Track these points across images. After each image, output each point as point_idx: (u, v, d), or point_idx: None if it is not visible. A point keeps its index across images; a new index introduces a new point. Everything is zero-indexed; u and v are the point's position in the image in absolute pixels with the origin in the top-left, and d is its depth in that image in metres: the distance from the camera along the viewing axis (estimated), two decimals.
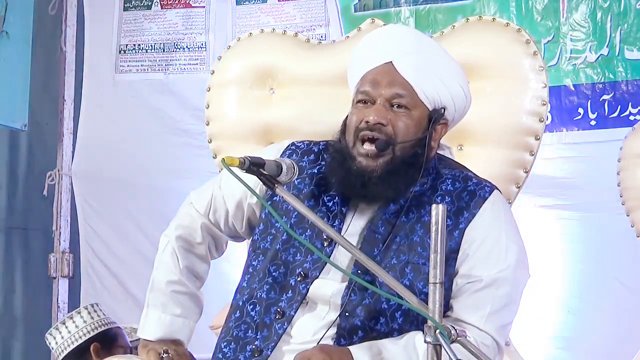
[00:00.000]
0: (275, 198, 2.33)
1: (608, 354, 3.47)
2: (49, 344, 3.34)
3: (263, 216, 2.37)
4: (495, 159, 2.70)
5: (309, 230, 2.28)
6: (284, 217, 2.30)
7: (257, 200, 2.36)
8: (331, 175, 2.30)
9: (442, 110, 2.29)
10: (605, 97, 3.65)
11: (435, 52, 2.35)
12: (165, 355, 2.28)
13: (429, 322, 1.87)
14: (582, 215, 3.63)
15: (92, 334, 3.30)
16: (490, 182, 2.35)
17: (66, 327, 3.31)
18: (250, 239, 2.41)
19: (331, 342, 2.19)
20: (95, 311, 3.36)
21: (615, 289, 3.54)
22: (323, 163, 2.35)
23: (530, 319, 3.57)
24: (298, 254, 2.28)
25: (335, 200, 2.30)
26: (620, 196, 2.88)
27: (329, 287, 2.23)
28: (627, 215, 2.87)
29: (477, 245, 2.24)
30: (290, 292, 2.24)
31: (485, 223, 2.26)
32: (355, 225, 2.29)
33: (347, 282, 2.22)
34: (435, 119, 2.28)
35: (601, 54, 3.66)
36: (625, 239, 2.96)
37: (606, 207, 3.41)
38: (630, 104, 3.61)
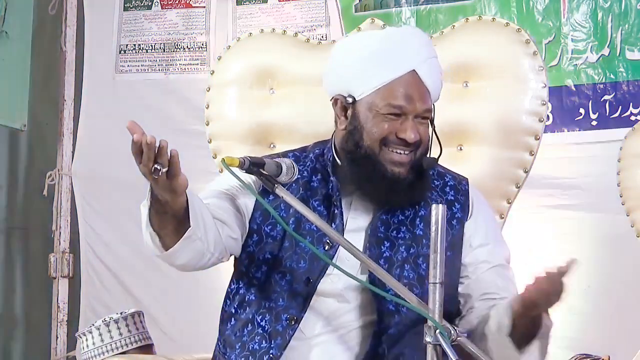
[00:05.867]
0: (264, 207, 2.30)
1: (608, 354, 3.46)
2: (82, 342, 3.30)
3: (255, 227, 2.33)
4: (495, 159, 2.70)
5: (308, 237, 2.27)
6: (278, 227, 2.30)
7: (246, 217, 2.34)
8: (358, 180, 2.29)
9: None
10: (606, 97, 3.64)
11: (435, 53, 2.36)
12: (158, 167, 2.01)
13: (429, 322, 1.87)
14: (582, 215, 3.62)
15: (133, 346, 3.27)
16: (459, 174, 2.43)
17: (109, 332, 3.27)
18: (240, 253, 2.35)
19: (347, 334, 2.25)
20: (140, 322, 3.32)
21: (616, 289, 3.54)
22: (305, 173, 2.35)
23: None
24: (302, 261, 2.28)
25: (325, 204, 2.31)
26: (620, 196, 2.88)
27: (337, 281, 2.25)
28: (627, 215, 2.87)
29: (483, 232, 2.36)
30: (299, 298, 2.26)
31: (482, 210, 2.39)
32: (352, 224, 2.31)
33: (367, 278, 2.23)
34: (433, 117, 2.32)
35: (602, 55, 3.66)
36: (625, 239, 2.95)
37: (606, 207, 3.40)
38: (631, 104, 3.61)
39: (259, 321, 2.27)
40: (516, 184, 2.71)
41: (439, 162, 2.34)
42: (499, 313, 2.13)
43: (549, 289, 1.99)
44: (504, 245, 2.41)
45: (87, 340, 3.25)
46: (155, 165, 1.97)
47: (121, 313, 3.28)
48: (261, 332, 2.26)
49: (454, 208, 2.33)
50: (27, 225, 4.68)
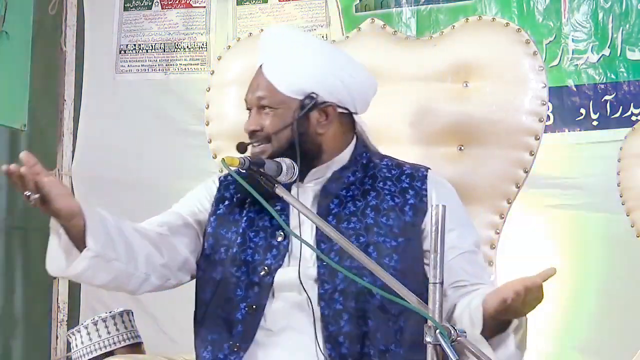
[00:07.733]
0: (218, 212, 2.39)
1: (608, 354, 3.46)
2: (72, 342, 3.30)
3: (211, 231, 2.39)
4: (495, 159, 2.70)
5: (261, 233, 2.33)
6: (233, 228, 2.36)
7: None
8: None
9: (314, 95, 2.33)
10: (607, 97, 3.65)
11: (297, 46, 2.41)
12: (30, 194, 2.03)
13: (429, 322, 1.87)
14: (582, 215, 3.62)
15: (122, 344, 3.26)
16: (421, 165, 2.45)
17: (97, 330, 3.26)
18: (198, 257, 2.41)
19: (311, 328, 2.24)
20: (129, 320, 3.31)
21: (615, 289, 3.54)
22: None
23: (530, 317, 3.57)
24: (256, 254, 2.32)
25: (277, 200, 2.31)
26: (620, 196, 2.88)
27: (293, 272, 2.26)
28: (627, 215, 2.87)
29: (447, 217, 2.31)
30: (256, 287, 2.29)
31: (443, 195, 2.37)
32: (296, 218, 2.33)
33: (316, 269, 2.27)
34: (306, 106, 2.33)
35: (603, 55, 3.66)
36: (625, 239, 2.95)
37: (606, 207, 3.41)
38: (632, 104, 3.61)
39: (220, 313, 2.31)
40: (516, 184, 2.71)
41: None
42: (472, 309, 2.14)
43: (527, 299, 2.04)
44: (472, 229, 2.43)
45: (76, 339, 3.25)
46: (26, 192, 2.02)
47: (110, 312, 3.28)
48: (221, 322, 2.29)
49: (407, 195, 2.35)
50: (27, 225, 4.67)
